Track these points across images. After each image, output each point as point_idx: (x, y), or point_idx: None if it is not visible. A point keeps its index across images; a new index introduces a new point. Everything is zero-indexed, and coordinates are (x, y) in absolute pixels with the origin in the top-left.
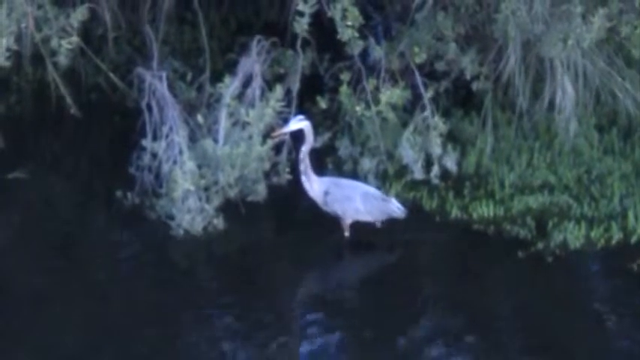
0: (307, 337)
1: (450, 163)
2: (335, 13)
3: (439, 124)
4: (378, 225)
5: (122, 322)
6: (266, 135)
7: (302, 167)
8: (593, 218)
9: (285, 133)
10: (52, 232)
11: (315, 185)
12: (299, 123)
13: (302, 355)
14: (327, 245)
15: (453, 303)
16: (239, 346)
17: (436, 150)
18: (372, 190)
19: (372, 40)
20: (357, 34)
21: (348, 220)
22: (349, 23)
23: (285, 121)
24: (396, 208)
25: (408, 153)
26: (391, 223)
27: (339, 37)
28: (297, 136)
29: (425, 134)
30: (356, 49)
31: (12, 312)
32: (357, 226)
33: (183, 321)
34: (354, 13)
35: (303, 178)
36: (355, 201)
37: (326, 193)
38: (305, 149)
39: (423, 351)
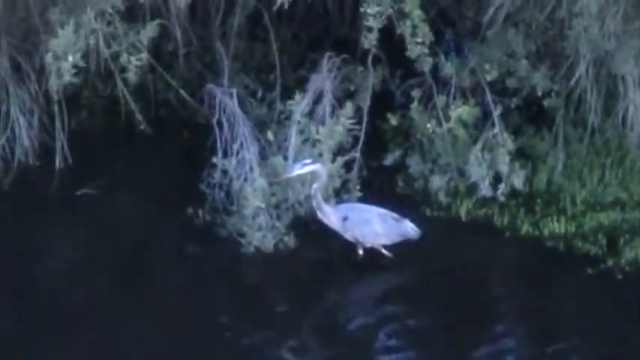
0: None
1: (518, 181)
2: (404, 29)
3: (507, 141)
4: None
5: (193, 341)
6: (336, 153)
7: (314, 204)
8: None
9: (289, 178)
10: (122, 249)
11: (331, 217)
12: (309, 166)
13: None
14: (400, 263)
15: (523, 319)
16: None
17: (503, 167)
18: (386, 212)
19: (442, 56)
20: (426, 51)
21: (367, 245)
22: (419, 40)
23: (356, 139)
24: (410, 229)
25: (476, 170)
26: (463, 239)
27: (407, 53)
28: (367, 153)
29: (493, 151)
30: (425, 65)
31: (82, 330)
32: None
33: (254, 339)
34: (424, 29)
35: (319, 213)
36: (373, 224)
37: (344, 219)
38: (316, 187)
39: None
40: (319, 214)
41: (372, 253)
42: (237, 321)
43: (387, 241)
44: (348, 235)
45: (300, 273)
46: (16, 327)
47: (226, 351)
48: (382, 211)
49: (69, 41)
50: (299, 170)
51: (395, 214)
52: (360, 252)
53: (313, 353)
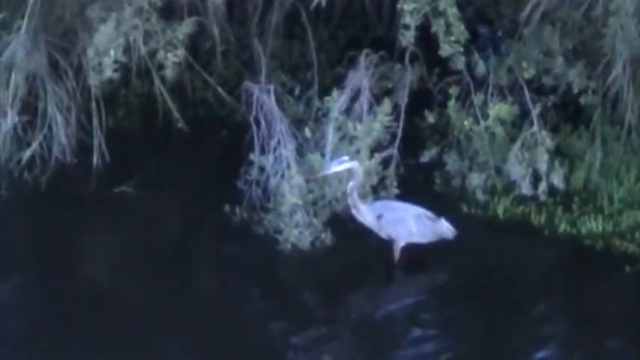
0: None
1: (557, 179)
2: (438, 27)
3: (546, 139)
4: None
5: (230, 338)
6: (374, 150)
7: (350, 202)
8: None
9: (326, 175)
10: (159, 246)
11: (366, 215)
12: (345, 164)
13: None
14: (437, 262)
15: (561, 318)
16: None
17: (543, 166)
18: (423, 211)
19: (476, 54)
20: (461, 50)
21: (400, 243)
22: (453, 38)
23: (393, 136)
24: (446, 228)
25: (516, 169)
26: (500, 238)
27: (440, 52)
28: (404, 150)
29: (532, 150)
30: (459, 64)
31: (118, 327)
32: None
33: (290, 337)
34: (459, 27)
35: (354, 211)
36: (408, 223)
37: (379, 217)
38: (352, 184)
39: None
40: (354, 212)
41: (409, 251)
42: (273, 318)
43: (422, 240)
44: (383, 234)
45: (336, 271)
46: (54, 326)
47: (263, 349)
48: (418, 210)
49: (110, 37)
50: (336, 167)
51: (431, 214)
52: (397, 251)
53: (349, 351)
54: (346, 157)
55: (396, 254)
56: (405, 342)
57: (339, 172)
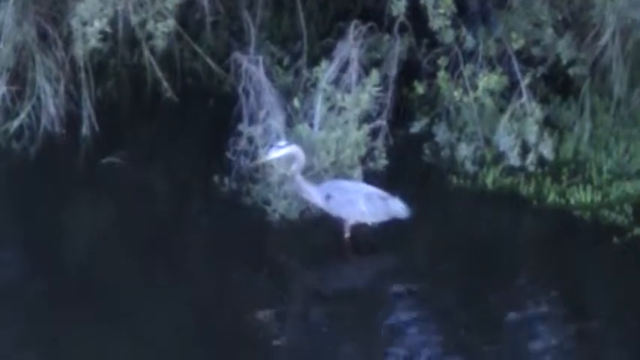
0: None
1: (547, 150)
2: (427, 0)
3: (536, 110)
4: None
5: (217, 309)
6: (363, 120)
7: (295, 185)
8: None
9: (268, 161)
10: (147, 217)
11: (315, 196)
12: (284, 149)
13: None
14: (425, 232)
15: (549, 288)
16: (342, 338)
17: (532, 137)
18: (374, 190)
19: (464, 28)
20: (448, 23)
21: (351, 222)
22: (441, 11)
23: (382, 107)
24: (399, 207)
25: (505, 140)
26: (489, 208)
27: (429, 25)
28: (393, 121)
29: (522, 121)
30: (448, 37)
31: (107, 301)
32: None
33: (278, 307)
34: (447, 1)
35: (303, 194)
36: (358, 203)
37: (327, 198)
38: (294, 168)
39: (525, 337)
40: (303, 195)
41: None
42: (261, 289)
43: (374, 220)
44: (333, 214)
45: (324, 241)
46: (41, 298)
47: (251, 319)
48: (369, 189)
49: (95, 6)
50: (275, 154)
51: (383, 193)
52: (347, 231)
53: (337, 321)
54: (283, 143)
55: (347, 234)
56: (390, 312)
57: (280, 157)
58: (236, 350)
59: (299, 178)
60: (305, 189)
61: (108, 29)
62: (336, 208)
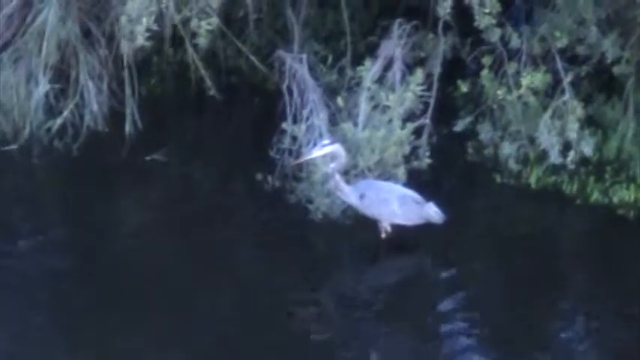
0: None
1: (587, 148)
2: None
3: (577, 108)
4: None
5: (261, 306)
6: (406, 119)
7: (332, 183)
8: None
9: (310, 159)
10: (191, 214)
11: (350, 195)
12: (327, 147)
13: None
14: (470, 230)
15: (593, 286)
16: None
17: (572, 135)
18: (409, 193)
19: (509, 27)
20: (494, 21)
21: (384, 223)
22: (487, 10)
23: (426, 105)
24: (433, 212)
25: (546, 137)
26: (533, 207)
27: (476, 24)
28: (437, 119)
29: (563, 119)
30: (493, 36)
31: (153, 296)
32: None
33: (321, 305)
34: (493, 0)
35: (338, 192)
36: (392, 204)
37: (361, 197)
38: (333, 166)
39: (575, 337)
40: (338, 193)
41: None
42: (304, 287)
43: (407, 223)
44: (367, 213)
45: (367, 239)
46: (87, 293)
47: (294, 316)
48: (404, 191)
49: (142, 4)
50: (317, 152)
51: (418, 197)
52: (383, 232)
53: (380, 318)
54: (327, 141)
55: (382, 234)
56: (434, 308)
57: (323, 155)
58: (277, 345)
59: (337, 177)
60: (342, 187)
61: (155, 27)
62: (369, 208)
